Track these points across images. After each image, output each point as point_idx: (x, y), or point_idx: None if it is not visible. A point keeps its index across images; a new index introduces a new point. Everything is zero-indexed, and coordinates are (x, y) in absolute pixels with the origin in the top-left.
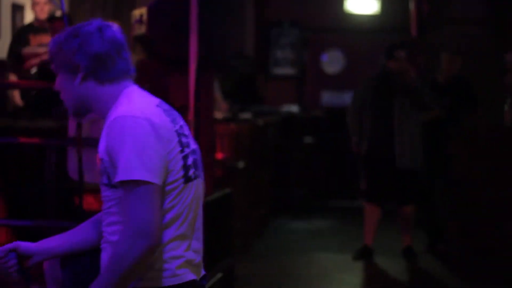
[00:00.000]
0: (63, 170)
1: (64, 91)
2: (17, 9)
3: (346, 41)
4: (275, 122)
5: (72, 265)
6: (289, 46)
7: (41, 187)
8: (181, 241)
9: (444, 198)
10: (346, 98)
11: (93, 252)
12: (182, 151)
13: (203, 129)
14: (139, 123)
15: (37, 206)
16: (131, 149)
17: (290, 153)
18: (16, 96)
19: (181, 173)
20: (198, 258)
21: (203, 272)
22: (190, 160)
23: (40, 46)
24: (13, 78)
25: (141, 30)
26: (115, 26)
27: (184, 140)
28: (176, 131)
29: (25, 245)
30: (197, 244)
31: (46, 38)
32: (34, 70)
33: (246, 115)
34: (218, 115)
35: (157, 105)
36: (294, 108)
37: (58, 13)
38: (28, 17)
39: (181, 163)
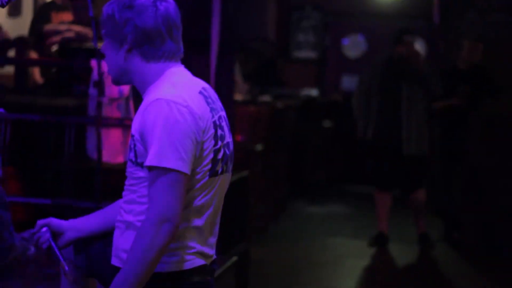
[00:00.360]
0: (81, 149)
1: (108, 57)
2: None
3: (367, 26)
4: (295, 106)
5: (85, 250)
6: (311, 29)
7: (59, 165)
8: (196, 233)
9: (461, 186)
10: None
11: (106, 236)
12: (215, 144)
13: None
14: (177, 109)
15: (55, 185)
16: (165, 135)
17: (308, 137)
18: (36, 73)
19: (209, 166)
20: (211, 251)
21: (214, 257)
22: (221, 154)
23: (62, 23)
24: (33, 55)
25: None
26: (171, 2)
27: (219, 132)
28: (214, 122)
29: (57, 222)
30: (212, 238)
31: (68, 16)
32: (55, 48)
33: (266, 98)
34: (238, 97)
35: (199, 92)
36: (313, 92)
37: None
38: None
39: (211, 156)
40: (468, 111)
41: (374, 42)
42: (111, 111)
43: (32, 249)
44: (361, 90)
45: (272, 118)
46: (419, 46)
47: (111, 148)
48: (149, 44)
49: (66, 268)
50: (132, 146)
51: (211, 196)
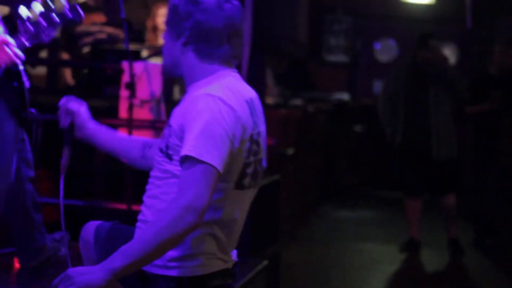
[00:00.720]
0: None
1: (166, 46)
2: None
3: (399, 30)
4: (326, 109)
5: (105, 247)
6: (342, 33)
7: (90, 167)
8: (217, 242)
9: (494, 191)
10: None
11: (128, 237)
12: (248, 157)
13: None
14: (224, 109)
15: (87, 186)
16: (208, 129)
17: (339, 141)
18: (68, 74)
19: (237, 177)
20: (232, 257)
21: (235, 260)
22: (251, 169)
23: (93, 25)
24: (65, 56)
25: None
26: (237, 6)
27: (254, 147)
28: (252, 135)
29: (84, 115)
30: (233, 247)
31: (99, 17)
32: (86, 49)
33: (297, 101)
34: (269, 100)
35: (246, 101)
36: (345, 96)
37: None
38: None
39: (240, 167)
40: (500, 115)
41: (405, 46)
42: (143, 113)
43: (63, 250)
44: (387, 94)
45: (303, 121)
46: (448, 50)
47: None
48: (206, 43)
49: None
50: (166, 136)
51: (235, 209)
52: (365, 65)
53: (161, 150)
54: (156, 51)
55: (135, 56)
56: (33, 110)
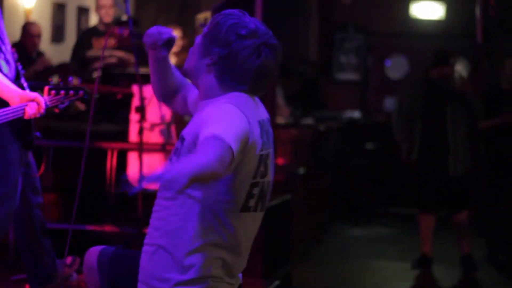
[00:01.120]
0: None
1: (193, 52)
2: (83, 12)
3: (410, 46)
4: (337, 128)
5: (108, 272)
6: (353, 51)
7: (101, 190)
8: (223, 266)
9: (507, 206)
10: None
11: (131, 258)
12: (254, 177)
13: None
14: (239, 114)
15: (97, 210)
16: (228, 123)
17: (351, 159)
18: None
19: (243, 199)
20: (238, 279)
21: (240, 282)
22: (257, 190)
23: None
24: (75, 81)
25: None
26: (275, 48)
27: (262, 168)
28: (261, 156)
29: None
30: (239, 271)
31: (110, 42)
32: (97, 74)
33: (308, 121)
34: (280, 120)
35: (259, 121)
36: (356, 114)
37: (125, 17)
38: (93, 20)
39: (247, 188)
40: None
41: (416, 63)
42: (154, 137)
43: (75, 275)
44: (402, 111)
45: (315, 140)
46: (459, 65)
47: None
48: (231, 77)
49: None
50: (178, 148)
51: (241, 233)
52: (376, 82)
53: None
54: None
55: (145, 79)
56: (38, 134)
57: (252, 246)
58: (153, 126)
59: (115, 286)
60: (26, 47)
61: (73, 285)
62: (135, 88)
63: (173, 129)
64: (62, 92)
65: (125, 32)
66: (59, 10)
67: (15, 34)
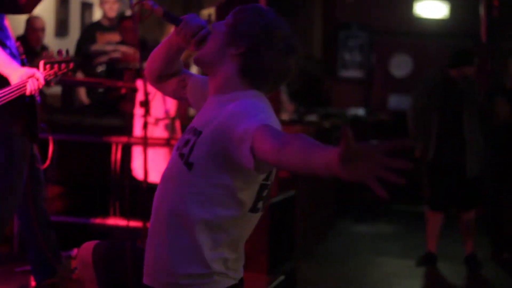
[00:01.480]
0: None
1: (213, 39)
2: (86, 7)
3: (414, 45)
4: (341, 125)
5: (103, 266)
6: (357, 48)
7: (105, 184)
8: (226, 263)
9: (511, 205)
10: None
11: (126, 252)
12: (266, 179)
13: None
14: (272, 111)
15: (101, 204)
16: (268, 115)
17: None
18: (82, 93)
19: (253, 200)
20: (240, 273)
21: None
22: (265, 192)
23: (108, 44)
24: (80, 75)
25: None
26: (296, 49)
27: (272, 171)
28: None
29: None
30: (240, 265)
31: (114, 37)
32: (101, 68)
33: (312, 117)
34: (284, 117)
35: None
36: (360, 111)
37: (128, 12)
38: (97, 14)
39: (257, 189)
40: None
41: (420, 61)
42: (158, 131)
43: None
44: (418, 110)
45: (319, 137)
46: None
47: (157, 168)
48: (256, 74)
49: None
50: (190, 140)
51: (244, 231)
52: (380, 81)
53: (181, 156)
54: None
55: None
56: (43, 125)
57: (257, 242)
58: (157, 120)
59: (111, 281)
60: (30, 41)
61: (76, 278)
62: (139, 83)
63: (177, 123)
64: (56, 65)
65: (159, 9)
66: (63, 4)
67: (20, 28)
